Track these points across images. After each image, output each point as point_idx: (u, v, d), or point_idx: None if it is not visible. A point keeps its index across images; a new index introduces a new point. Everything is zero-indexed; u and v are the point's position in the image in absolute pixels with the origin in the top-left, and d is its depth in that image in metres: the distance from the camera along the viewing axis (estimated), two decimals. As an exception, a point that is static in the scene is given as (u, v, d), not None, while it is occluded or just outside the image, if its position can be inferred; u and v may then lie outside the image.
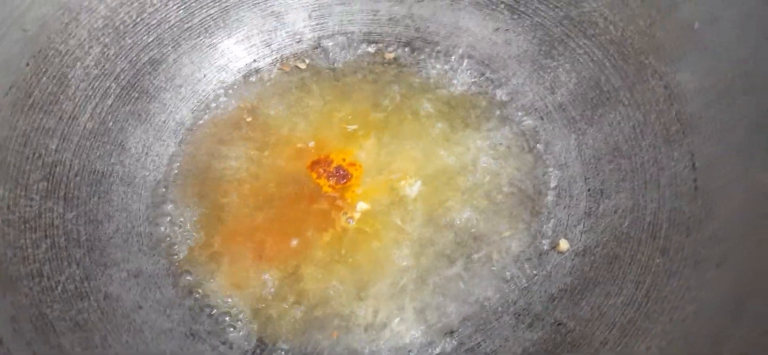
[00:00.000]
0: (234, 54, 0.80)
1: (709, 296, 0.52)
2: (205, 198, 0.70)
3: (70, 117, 0.67)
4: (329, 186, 0.70)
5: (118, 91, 0.71)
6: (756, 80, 0.57)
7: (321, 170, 0.71)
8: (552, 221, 0.68)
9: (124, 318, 0.60)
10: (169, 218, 0.69)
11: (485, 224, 0.68)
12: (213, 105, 0.77)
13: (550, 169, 0.71)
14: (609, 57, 0.71)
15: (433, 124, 0.74)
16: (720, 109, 0.60)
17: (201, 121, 0.76)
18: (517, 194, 0.70)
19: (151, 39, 0.74)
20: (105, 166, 0.68)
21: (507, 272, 0.65)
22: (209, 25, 0.78)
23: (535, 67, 0.76)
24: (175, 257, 0.67)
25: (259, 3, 0.80)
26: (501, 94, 0.77)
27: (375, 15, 0.82)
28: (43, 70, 0.65)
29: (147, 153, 0.72)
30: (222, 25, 0.79)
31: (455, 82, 0.78)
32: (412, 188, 0.70)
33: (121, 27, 0.72)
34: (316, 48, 0.82)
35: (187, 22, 0.76)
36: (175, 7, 0.75)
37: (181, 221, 0.69)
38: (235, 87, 0.78)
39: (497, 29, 0.79)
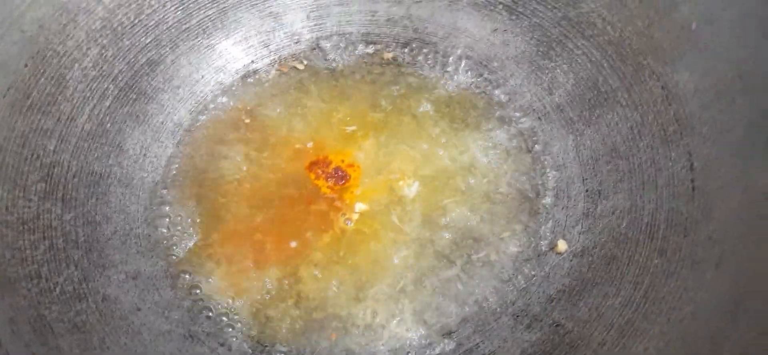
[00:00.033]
0: (232, 55, 0.79)
1: (707, 297, 0.52)
2: (203, 199, 0.70)
3: (68, 118, 0.67)
4: (328, 187, 0.70)
5: (116, 92, 0.71)
6: (754, 81, 0.57)
7: (319, 171, 0.71)
8: (550, 221, 0.68)
9: (123, 320, 0.60)
10: (167, 220, 0.69)
11: (483, 224, 0.68)
12: (211, 106, 0.77)
13: (548, 169, 0.71)
14: (607, 58, 0.71)
15: (431, 125, 0.74)
16: (718, 109, 0.60)
17: (199, 123, 0.76)
18: (516, 195, 0.70)
19: (148, 40, 0.74)
20: (103, 168, 0.68)
21: (505, 273, 0.65)
22: (207, 26, 0.78)
23: (533, 67, 0.76)
24: (174, 258, 0.67)
25: (257, 4, 0.80)
26: (499, 95, 0.77)
27: (373, 16, 0.82)
28: (42, 71, 0.65)
29: (145, 154, 0.72)
30: (220, 26, 0.79)
31: (453, 82, 0.78)
32: (411, 189, 0.70)
33: (119, 28, 0.71)
34: (315, 49, 0.82)
35: (185, 24, 0.76)
36: (173, 9, 0.75)
37: (179, 223, 0.69)
38: (234, 88, 0.78)
39: (495, 30, 0.79)
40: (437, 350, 0.62)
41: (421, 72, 0.79)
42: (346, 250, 0.66)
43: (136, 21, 0.73)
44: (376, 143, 0.73)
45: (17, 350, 0.53)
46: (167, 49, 0.75)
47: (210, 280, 0.65)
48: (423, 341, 0.62)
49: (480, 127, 0.74)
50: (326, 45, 0.81)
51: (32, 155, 0.63)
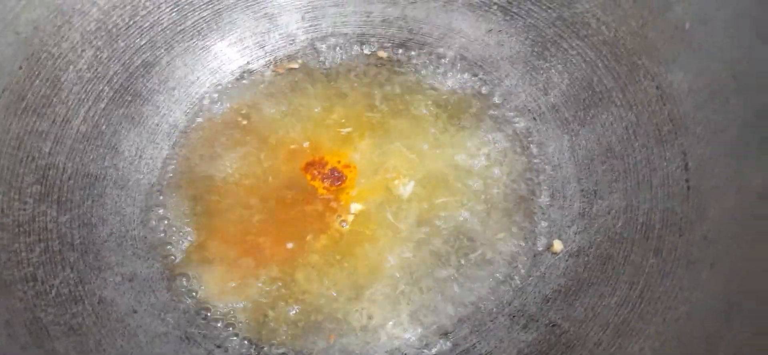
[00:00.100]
0: (227, 56, 0.79)
1: (702, 297, 0.52)
2: (199, 201, 0.70)
3: (63, 120, 0.67)
4: (324, 188, 0.70)
5: (111, 94, 0.71)
6: (748, 81, 0.58)
7: (315, 172, 0.71)
8: (546, 222, 0.68)
9: (119, 322, 0.60)
10: (163, 222, 0.69)
11: (479, 225, 0.68)
12: (206, 108, 0.77)
13: (544, 169, 0.71)
14: (601, 58, 0.71)
15: (426, 125, 0.74)
16: (712, 109, 0.60)
17: (194, 124, 0.76)
18: (511, 195, 0.70)
19: (143, 42, 0.74)
20: (98, 170, 0.68)
21: (501, 273, 0.66)
22: (202, 28, 0.78)
23: (528, 68, 0.76)
24: (170, 260, 0.67)
25: (252, 5, 0.80)
26: (494, 96, 0.77)
27: (368, 16, 0.82)
28: (36, 73, 0.65)
29: (140, 156, 0.72)
30: (215, 27, 0.78)
31: (448, 83, 0.78)
32: (406, 189, 0.70)
33: (114, 30, 0.71)
34: (310, 50, 0.82)
35: (180, 25, 0.76)
36: (167, 10, 0.75)
37: (175, 224, 0.69)
38: (229, 89, 0.78)
39: (490, 30, 0.79)
40: (434, 351, 0.62)
41: (416, 73, 0.79)
42: (343, 251, 0.66)
43: (131, 23, 0.73)
44: (371, 144, 0.73)
45: (13, 353, 0.52)
46: (162, 50, 0.75)
47: (206, 282, 0.65)
48: (419, 342, 0.62)
49: (475, 128, 0.74)
50: (321, 46, 0.81)
51: (27, 157, 0.63)
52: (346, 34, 0.82)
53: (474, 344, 0.62)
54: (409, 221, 0.68)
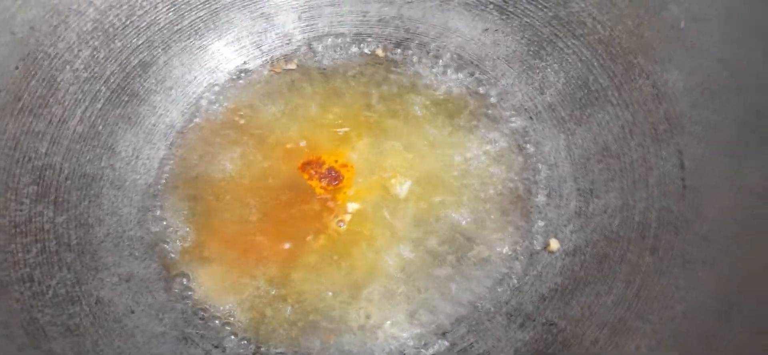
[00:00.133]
0: (224, 56, 0.79)
1: (699, 296, 0.52)
2: (196, 201, 0.70)
3: (59, 120, 0.67)
4: (321, 188, 0.70)
5: (108, 94, 0.71)
6: (743, 79, 0.58)
7: (312, 172, 0.71)
8: (542, 221, 0.68)
9: (116, 322, 0.60)
10: (160, 222, 0.69)
11: (476, 224, 0.68)
12: (203, 107, 0.77)
13: (540, 169, 0.71)
14: (597, 57, 0.71)
15: (423, 125, 0.75)
16: (708, 107, 0.60)
17: (191, 124, 0.76)
18: (508, 194, 0.70)
19: (140, 41, 0.74)
20: (95, 170, 0.68)
21: (498, 273, 0.66)
22: (199, 28, 0.78)
23: (524, 67, 0.76)
24: (167, 260, 0.66)
25: (248, 5, 0.80)
26: (490, 95, 0.77)
27: (365, 16, 0.82)
28: (33, 73, 0.65)
29: (137, 156, 0.72)
30: (212, 27, 0.78)
31: (445, 82, 0.78)
32: (403, 189, 0.70)
33: (111, 30, 0.71)
34: (307, 49, 0.82)
35: (177, 25, 0.76)
36: (164, 10, 0.75)
37: (172, 225, 0.69)
38: (226, 89, 0.78)
39: (486, 30, 0.79)
40: (431, 351, 0.62)
41: (412, 72, 0.79)
42: (340, 250, 0.66)
43: (128, 22, 0.73)
44: (368, 143, 0.73)
45: (10, 354, 0.52)
46: (159, 50, 0.75)
47: (204, 282, 0.65)
48: (417, 342, 0.62)
49: (472, 127, 0.74)
50: (318, 46, 0.81)
51: (24, 158, 0.63)
52: (342, 33, 0.82)
53: (471, 343, 0.62)
54: (407, 221, 0.68)
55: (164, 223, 0.69)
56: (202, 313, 0.64)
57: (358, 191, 0.70)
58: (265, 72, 0.80)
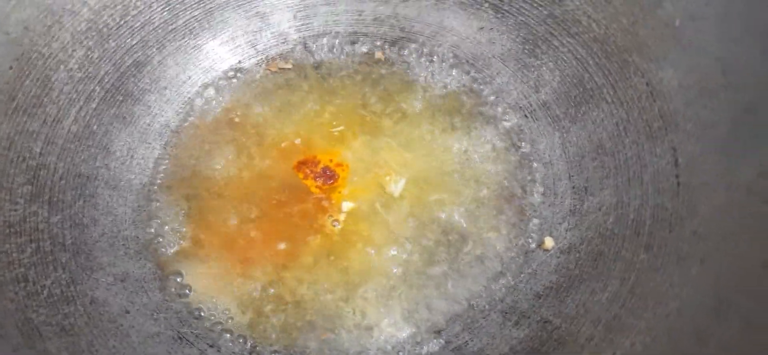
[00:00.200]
0: (219, 55, 0.79)
1: (693, 293, 0.52)
2: (191, 201, 0.70)
3: (54, 120, 0.66)
4: (316, 187, 0.70)
5: (103, 94, 0.71)
6: (737, 76, 0.58)
7: (308, 171, 0.71)
8: (537, 219, 0.68)
9: (111, 322, 0.60)
10: (155, 221, 0.69)
11: (471, 222, 0.68)
12: (198, 107, 0.77)
13: (535, 167, 0.72)
14: (592, 55, 0.71)
15: (418, 123, 0.75)
16: (702, 105, 0.60)
17: (186, 124, 0.76)
18: (503, 193, 0.70)
19: (135, 41, 0.74)
20: (90, 170, 0.68)
21: (493, 271, 0.66)
22: (194, 27, 0.78)
23: (519, 65, 0.77)
24: (162, 260, 0.66)
25: (243, 4, 0.80)
26: (486, 93, 0.77)
27: (360, 15, 0.82)
28: (27, 73, 0.65)
29: (132, 156, 0.72)
30: (207, 26, 0.78)
31: (440, 81, 0.78)
32: (398, 187, 0.70)
33: (105, 30, 0.71)
34: (302, 48, 0.82)
35: (172, 24, 0.76)
36: (159, 9, 0.75)
37: (167, 224, 0.69)
38: (221, 88, 0.78)
39: (481, 28, 0.79)
40: (426, 349, 0.62)
41: (408, 71, 0.79)
42: (336, 249, 0.66)
43: (122, 22, 0.72)
44: (363, 143, 0.73)
45: (5, 354, 0.52)
46: (154, 50, 0.75)
47: (199, 281, 0.65)
48: (412, 340, 0.62)
49: (467, 126, 0.74)
50: (313, 45, 0.81)
51: (18, 158, 0.63)
52: (338, 32, 0.82)
53: (466, 341, 0.62)
54: (402, 220, 0.68)
55: (159, 222, 0.69)
56: (198, 313, 0.64)
57: (353, 190, 0.70)
58: (261, 71, 0.80)
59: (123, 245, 0.66)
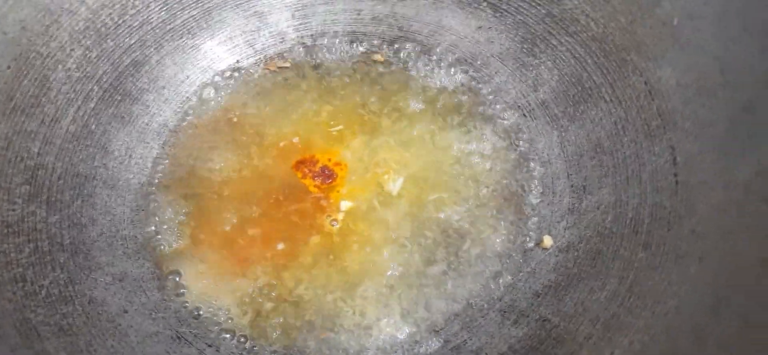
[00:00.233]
0: (217, 55, 0.79)
1: (691, 291, 0.52)
2: (189, 200, 0.70)
3: (52, 120, 0.66)
4: (315, 186, 0.70)
5: (101, 93, 0.71)
6: (735, 75, 0.58)
7: (306, 170, 0.71)
8: (536, 217, 0.68)
9: (110, 322, 0.60)
10: (153, 221, 0.69)
11: (470, 221, 0.68)
12: (196, 106, 0.77)
13: (534, 166, 0.72)
14: (591, 54, 0.71)
15: (417, 122, 0.75)
16: (700, 104, 0.60)
17: (185, 123, 0.76)
18: (501, 192, 0.70)
19: (133, 41, 0.74)
20: (88, 170, 0.68)
21: (492, 269, 0.66)
22: (192, 27, 0.78)
23: (518, 64, 0.77)
24: (161, 260, 0.66)
25: (241, 3, 0.80)
26: (484, 92, 0.77)
27: (358, 14, 0.82)
28: (25, 73, 0.65)
29: (130, 156, 0.72)
30: (205, 26, 0.78)
31: (439, 80, 0.78)
32: (397, 187, 0.70)
33: (103, 29, 0.71)
34: (300, 48, 0.82)
35: (170, 24, 0.76)
36: (157, 9, 0.75)
37: (165, 224, 0.69)
38: (219, 88, 0.78)
39: (480, 27, 0.79)
40: (425, 348, 0.62)
41: (406, 70, 0.79)
42: (334, 249, 0.66)
43: (120, 22, 0.72)
44: (362, 142, 0.73)
45: (3, 354, 0.52)
46: (152, 49, 0.75)
47: (197, 281, 0.65)
48: (411, 339, 0.62)
49: (465, 125, 0.74)
50: (312, 44, 0.81)
51: (16, 158, 0.63)
52: (336, 31, 0.82)
53: (465, 340, 0.62)
54: (400, 219, 0.68)
55: (157, 222, 0.69)
56: (196, 312, 0.64)
57: (351, 190, 0.70)
58: (259, 71, 0.80)
59: (121, 244, 0.66)
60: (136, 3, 0.73)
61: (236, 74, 0.79)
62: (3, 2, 0.62)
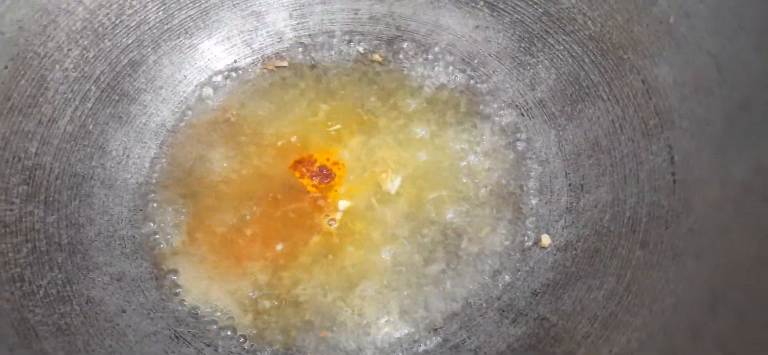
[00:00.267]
0: (214, 54, 0.79)
1: (688, 289, 0.52)
2: (187, 199, 0.70)
3: (49, 120, 0.66)
4: (313, 185, 0.70)
5: (98, 93, 0.71)
6: (731, 73, 0.58)
7: (304, 170, 0.71)
8: (534, 216, 0.69)
9: (108, 322, 0.60)
10: (151, 221, 0.69)
11: (468, 221, 0.68)
12: (194, 106, 0.77)
13: (531, 165, 0.72)
14: (588, 53, 0.71)
15: (414, 121, 0.75)
16: (697, 102, 0.60)
17: (182, 123, 0.76)
18: (499, 191, 0.70)
19: (130, 41, 0.74)
20: (86, 170, 0.68)
21: (490, 269, 0.66)
22: (189, 26, 0.78)
23: (515, 63, 0.77)
24: (159, 259, 0.66)
25: (239, 3, 0.80)
26: (482, 91, 0.77)
27: (356, 14, 0.82)
28: (22, 73, 0.65)
29: (128, 155, 0.72)
30: (202, 25, 0.78)
31: (436, 79, 0.78)
32: (395, 186, 0.70)
33: (100, 29, 0.71)
34: (298, 47, 0.82)
35: (167, 24, 0.76)
36: (154, 9, 0.75)
37: (163, 223, 0.68)
38: (217, 88, 0.78)
39: (477, 26, 0.79)
40: (423, 347, 0.62)
41: (404, 69, 0.79)
42: (333, 248, 0.66)
43: (118, 22, 0.72)
44: (360, 141, 0.73)
45: (1, 354, 0.52)
46: (149, 49, 0.75)
47: (195, 280, 0.65)
48: (409, 338, 0.62)
49: (463, 124, 0.74)
50: (309, 43, 0.81)
51: (13, 158, 0.63)
52: (333, 31, 0.82)
53: (464, 339, 0.62)
54: (398, 218, 0.68)
55: (155, 222, 0.69)
56: (194, 312, 0.64)
57: (349, 189, 0.70)
58: (257, 70, 0.80)
59: (119, 244, 0.66)
60: (134, 3, 0.73)
61: (234, 74, 0.79)
62: (0, 2, 0.62)
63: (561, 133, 0.72)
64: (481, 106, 0.76)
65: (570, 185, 0.69)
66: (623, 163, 0.65)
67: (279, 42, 0.82)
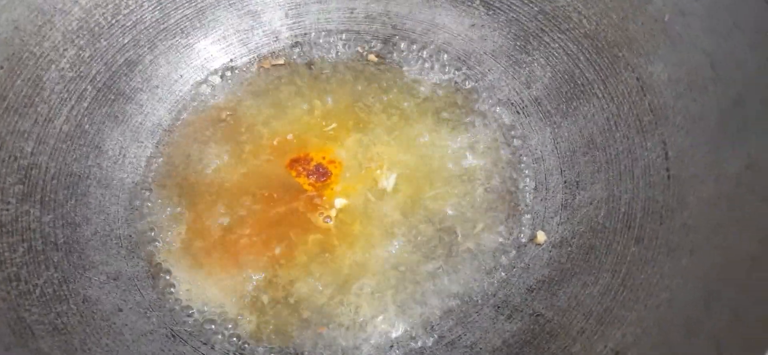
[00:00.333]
0: (210, 54, 0.79)
1: (682, 284, 0.52)
2: (184, 199, 0.70)
3: (45, 120, 0.66)
4: (309, 184, 0.71)
5: (94, 93, 0.71)
6: (725, 70, 0.58)
7: (300, 168, 0.71)
8: (529, 213, 0.69)
9: (104, 321, 0.60)
10: (147, 220, 0.69)
11: (464, 218, 0.68)
12: (190, 106, 0.77)
13: (527, 162, 0.72)
14: (583, 51, 0.71)
15: (411, 120, 0.75)
16: (691, 99, 0.61)
17: (179, 122, 0.76)
18: (495, 188, 0.70)
19: (126, 40, 0.74)
20: (82, 169, 0.68)
21: (486, 265, 0.66)
22: (185, 26, 0.78)
23: (511, 62, 0.77)
24: (155, 258, 0.66)
25: (235, 2, 0.80)
26: (477, 90, 0.77)
27: (352, 13, 0.82)
28: (18, 72, 0.65)
29: (124, 155, 0.72)
30: (198, 25, 0.78)
31: (432, 78, 0.78)
32: (391, 184, 0.70)
33: (96, 29, 0.71)
34: (294, 46, 0.82)
35: (163, 23, 0.76)
36: (150, 8, 0.75)
37: (160, 223, 0.69)
38: (213, 87, 0.78)
39: (473, 25, 0.79)
40: (420, 344, 0.62)
41: (400, 68, 0.79)
42: (329, 246, 0.67)
43: (114, 21, 0.73)
44: (356, 140, 0.73)
45: (-3, 353, 0.52)
46: (145, 49, 0.75)
47: (192, 279, 0.65)
48: (406, 335, 0.62)
49: (459, 122, 0.75)
50: (305, 42, 0.82)
51: (9, 157, 0.63)
52: (329, 30, 0.82)
53: (459, 335, 0.62)
54: (394, 216, 0.68)
55: (152, 221, 0.69)
56: (191, 310, 0.64)
57: (346, 187, 0.70)
58: (253, 69, 0.80)
59: (115, 243, 0.66)
60: (130, 2, 0.73)
61: (230, 73, 0.79)
62: (-4, 2, 0.63)
63: (556, 130, 0.72)
64: (477, 104, 0.76)
65: (565, 181, 0.69)
66: (618, 160, 0.65)
67: (275, 41, 0.82)
